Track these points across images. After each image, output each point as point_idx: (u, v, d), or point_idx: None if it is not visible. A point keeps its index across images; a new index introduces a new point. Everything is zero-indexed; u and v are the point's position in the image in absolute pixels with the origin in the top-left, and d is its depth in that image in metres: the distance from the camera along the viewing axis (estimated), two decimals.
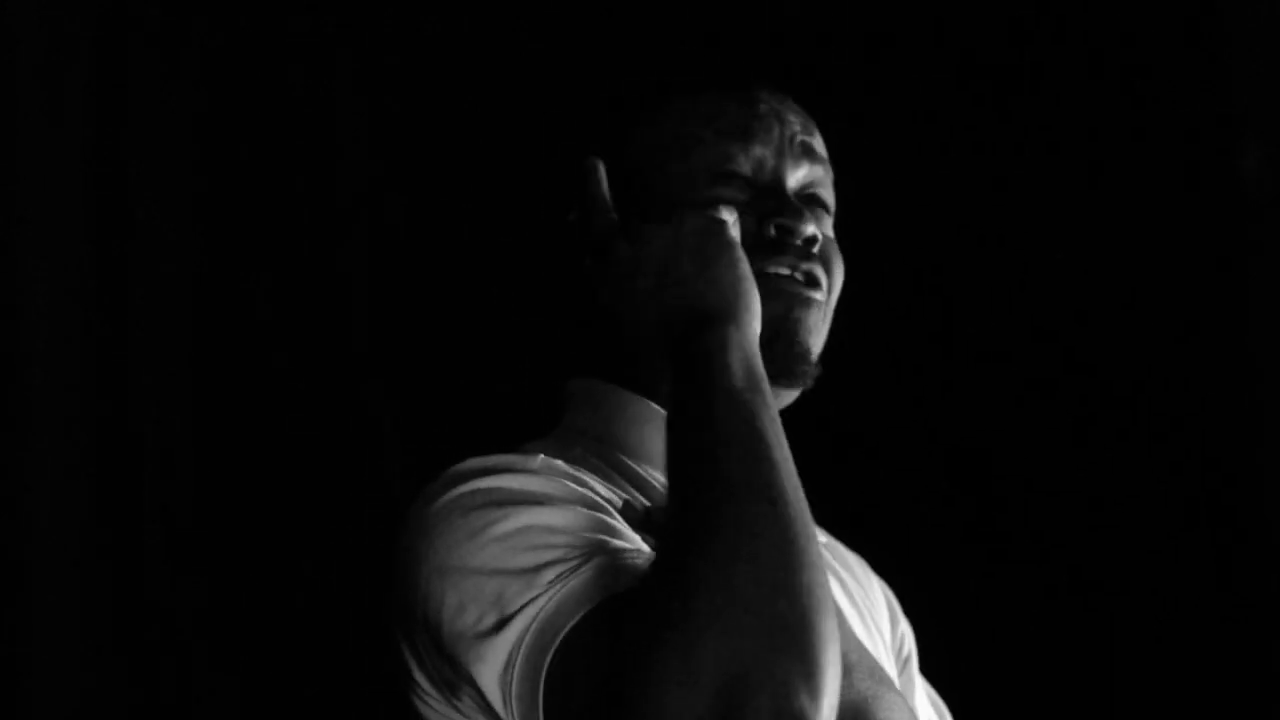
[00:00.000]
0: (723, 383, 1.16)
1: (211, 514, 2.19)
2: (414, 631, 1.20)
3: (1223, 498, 2.28)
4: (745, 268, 1.23)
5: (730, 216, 1.27)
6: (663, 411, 1.34)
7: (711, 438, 1.13)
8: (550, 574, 1.13)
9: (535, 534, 1.16)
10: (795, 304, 1.34)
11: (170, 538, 2.16)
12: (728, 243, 1.24)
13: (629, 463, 1.34)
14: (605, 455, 1.35)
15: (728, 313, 1.20)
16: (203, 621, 2.17)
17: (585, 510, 1.19)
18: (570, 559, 1.14)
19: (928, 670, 1.60)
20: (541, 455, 1.25)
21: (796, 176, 1.39)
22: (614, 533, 1.18)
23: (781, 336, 1.32)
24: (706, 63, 2.26)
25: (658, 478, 1.34)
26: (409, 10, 2.34)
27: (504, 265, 2.23)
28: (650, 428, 1.35)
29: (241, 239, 2.25)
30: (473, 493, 1.20)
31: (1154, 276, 2.32)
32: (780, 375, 1.31)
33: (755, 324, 1.22)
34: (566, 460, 1.28)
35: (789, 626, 1.04)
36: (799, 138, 1.39)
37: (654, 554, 1.15)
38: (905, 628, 1.53)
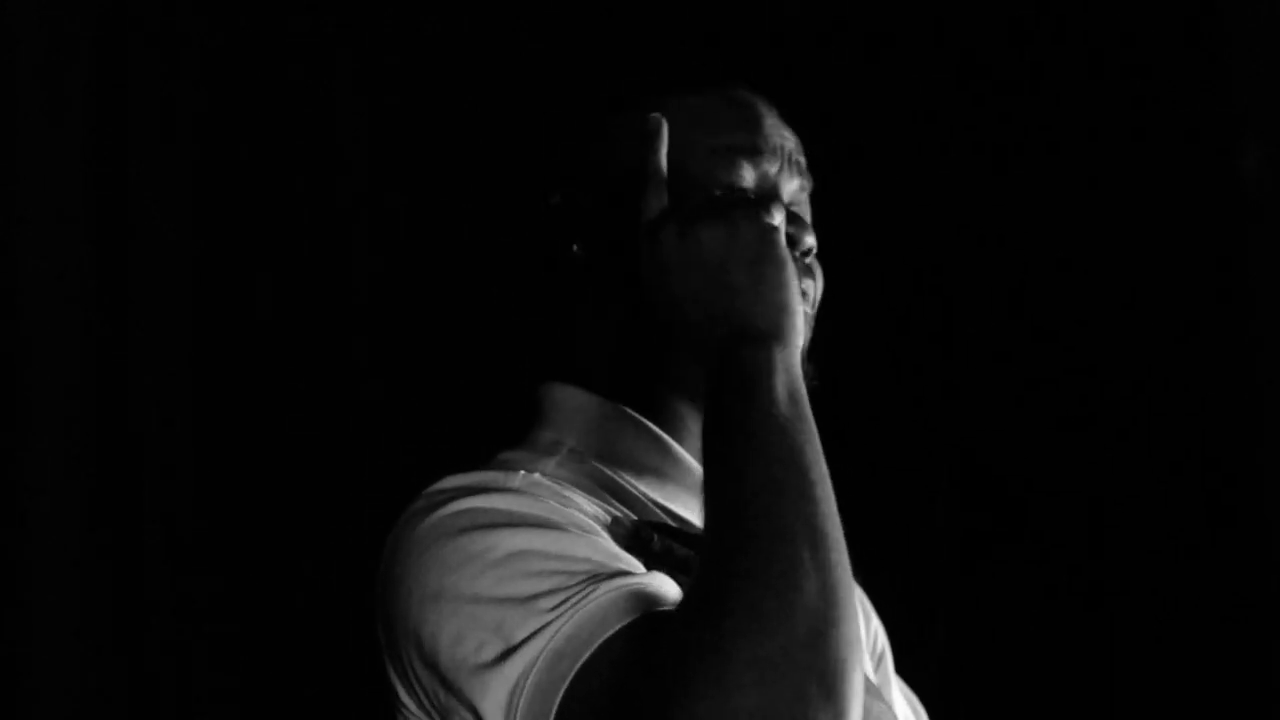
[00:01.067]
0: (769, 409, 1.14)
1: (211, 514, 2.19)
2: (402, 655, 1.19)
3: (1223, 498, 2.28)
4: (795, 286, 1.22)
5: (780, 216, 1.24)
6: (645, 421, 1.33)
7: (756, 472, 1.12)
8: (549, 602, 1.12)
9: (529, 559, 1.14)
10: None
11: (170, 537, 2.16)
12: (781, 258, 1.22)
13: (609, 473, 1.31)
14: (584, 466, 1.31)
15: (776, 333, 1.19)
16: (203, 621, 2.17)
17: (577, 532, 1.18)
18: (568, 586, 1.12)
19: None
20: (522, 472, 1.23)
21: (789, 190, 1.38)
22: (608, 554, 1.17)
23: None
24: (707, 63, 2.26)
25: (639, 488, 1.31)
26: (409, 10, 2.34)
27: (504, 265, 2.23)
28: (633, 438, 1.32)
29: (241, 239, 2.25)
30: (458, 514, 1.18)
31: (1154, 276, 2.32)
32: None
33: (799, 344, 1.21)
34: (545, 474, 1.26)
35: (824, 679, 1.05)
36: (794, 155, 1.38)
37: (650, 577, 1.14)
38: (877, 625, 1.52)
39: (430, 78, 2.33)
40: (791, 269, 1.22)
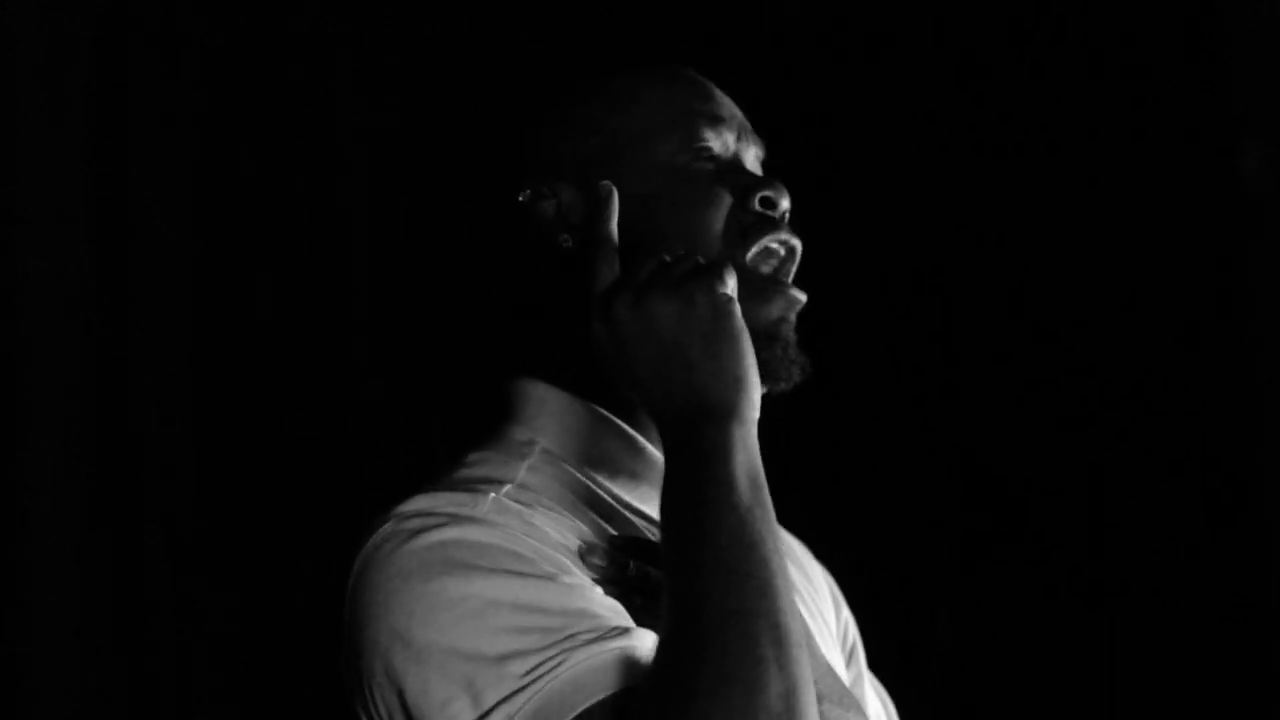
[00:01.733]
0: (728, 494, 1.15)
1: (211, 514, 2.19)
2: (364, 684, 1.18)
3: (1223, 498, 2.29)
4: (751, 355, 1.21)
5: (732, 283, 1.24)
6: (618, 421, 1.31)
7: (717, 565, 1.12)
8: (520, 666, 1.12)
9: (502, 613, 1.13)
10: (790, 310, 1.32)
11: (169, 537, 2.17)
12: (736, 331, 1.21)
13: (581, 478, 1.30)
14: (556, 470, 1.30)
15: (732, 408, 1.18)
16: (203, 621, 2.18)
17: (550, 573, 1.16)
18: (541, 649, 1.12)
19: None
20: (492, 495, 1.22)
21: (749, 156, 1.38)
22: (583, 599, 1.16)
23: (779, 341, 1.30)
24: (707, 63, 2.26)
25: (613, 490, 1.30)
26: (409, 10, 2.34)
27: (503, 265, 2.23)
28: (606, 438, 1.31)
29: (241, 239, 2.25)
30: (429, 549, 1.17)
31: (1154, 276, 2.32)
32: (780, 380, 1.30)
33: (756, 414, 1.20)
34: (516, 483, 1.25)
35: None
36: (746, 125, 1.38)
37: (625, 640, 1.13)
38: (848, 615, 1.51)
39: (430, 78, 2.33)
40: (747, 340, 1.21)
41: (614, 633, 1.14)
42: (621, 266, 1.27)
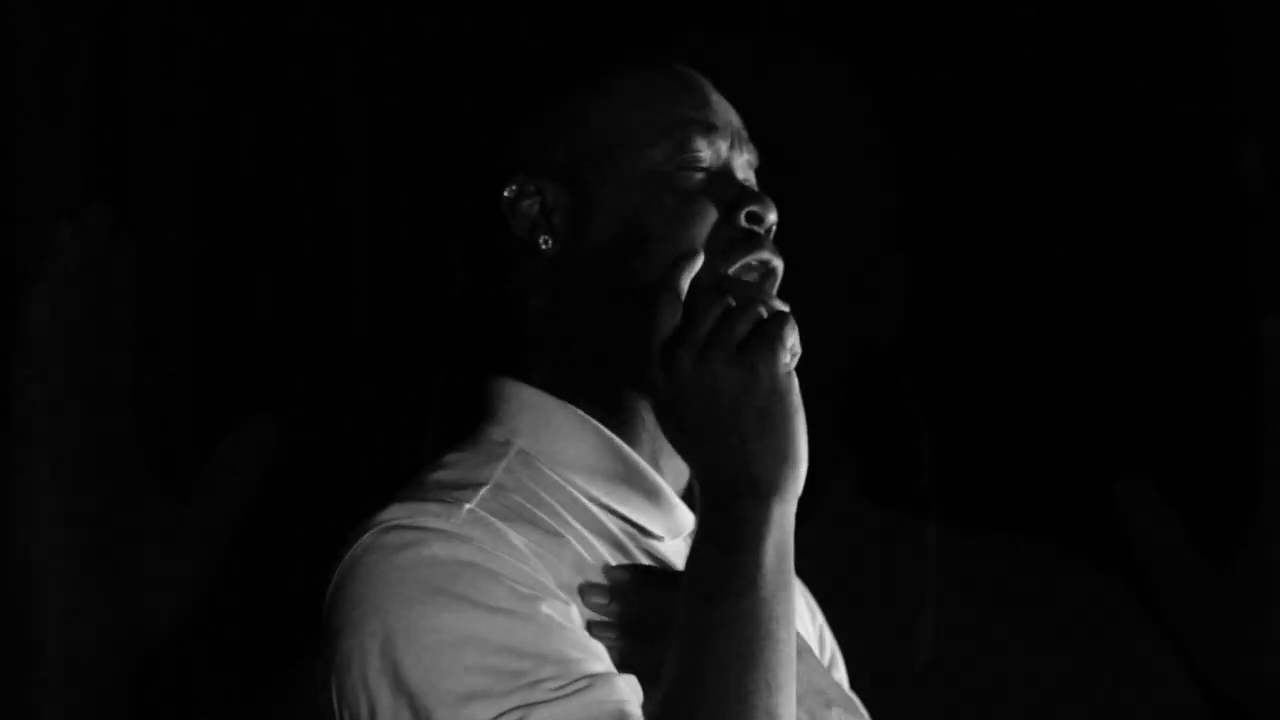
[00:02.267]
0: (754, 574, 1.16)
1: (211, 514, 2.19)
2: (333, 695, 1.18)
3: (1222, 498, 2.29)
4: (803, 432, 1.22)
5: (793, 339, 1.23)
6: (597, 423, 1.31)
7: (726, 648, 1.14)
8: (482, 710, 1.12)
9: (470, 650, 1.14)
10: None
11: (170, 537, 2.16)
12: (793, 409, 1.21)
13: (559, 480, 1.30)
14: (532, 472, 1.30)
15: (774, 486, 1.19)
16: (203, 621, 2.17)
17: (519, 614, 1.16)
18: (502, 694, 1.13)
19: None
20: (467, 507, 1.22)
21: (740, 164, 1.37)
22: (555, 636, 1.16)
23: None
24: (707, 62, 2.26)
25: (591, 492, 1.30)
26: (409, 10, 2.34)
27: (484, 263, 2.23)
28: (584, 440, 1.31)
29: (241, 239, 2.25)
30: (406, 568, 1.17)
31: (1154, 276, 2.32)
32: None
33: (799, 491, 1.21)
34: (494, 487, 1.25)
35: None
36: (741, 131, 1.37)
37: (590, 694, 1.13)
38: (822, 621, 1.51)
39: (430, 78, 2.33)
40: (801, 416, 1.22)
41: (580, 683, 1.14)
42: (611, 267, 1.27)
